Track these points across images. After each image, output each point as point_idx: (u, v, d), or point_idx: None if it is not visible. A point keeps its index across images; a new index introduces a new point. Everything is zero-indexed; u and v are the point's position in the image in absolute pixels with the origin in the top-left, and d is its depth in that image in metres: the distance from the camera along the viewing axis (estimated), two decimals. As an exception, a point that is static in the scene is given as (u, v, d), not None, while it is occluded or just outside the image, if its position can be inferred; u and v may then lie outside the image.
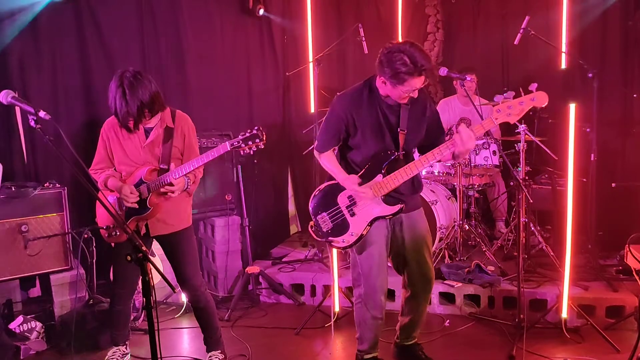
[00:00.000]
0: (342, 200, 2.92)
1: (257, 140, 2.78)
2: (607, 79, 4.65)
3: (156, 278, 2.67)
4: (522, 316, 3.46)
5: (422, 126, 2.91)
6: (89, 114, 4.33)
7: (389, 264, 3.07)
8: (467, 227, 4.55)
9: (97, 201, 2.99)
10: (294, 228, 6.05)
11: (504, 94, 3.32)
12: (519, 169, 4.41)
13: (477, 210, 4.96)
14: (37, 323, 3.66)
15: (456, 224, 4.49)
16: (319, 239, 3.03)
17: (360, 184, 2.83)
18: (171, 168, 2.95)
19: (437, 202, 4.35)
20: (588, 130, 4.38)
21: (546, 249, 4.24)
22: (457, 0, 6.02)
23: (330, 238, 2.95)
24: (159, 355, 2.12)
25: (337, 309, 3.85)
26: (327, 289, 4.24)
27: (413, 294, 3.11)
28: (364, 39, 4.82)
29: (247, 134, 2.78)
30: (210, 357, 3.27)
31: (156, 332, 2.08)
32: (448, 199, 4.62)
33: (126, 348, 3.38)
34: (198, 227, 4.78)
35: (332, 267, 3.92)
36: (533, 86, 3.32)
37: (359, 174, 2.87)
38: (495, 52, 5.78)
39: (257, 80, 5.46)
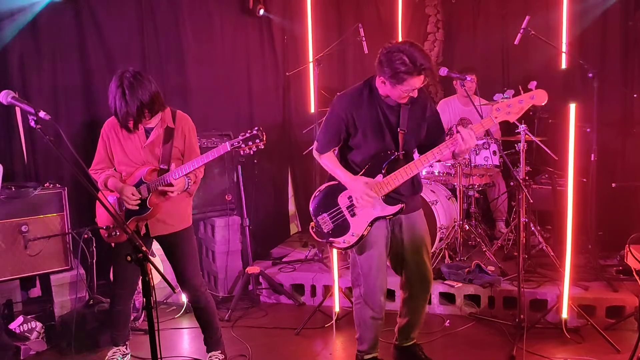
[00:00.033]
0: (342, 200, 2.92)
1: (257, 141, 2.78)
2: (607, 79, 4.64)
3: (156, 278, 2.68)
4: (522, 316, 3.46)
5: (422, 126, 2.91)
6: (89, 114, 4.33)
7: (388, 264, 3.07)
8: (467, 227, 4.55)
9: (97, 201, 2.99)
10: (294, 228, 6.05)
11: (504, 93, 3.32)
12: (519, 168, 4.41)
13: (477, 210, 4.96)
14: (37, 323, 3.66)
15: (456, 224, 4.49)
16: (320, 240, 3.02)
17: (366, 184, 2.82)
18: (171, 168, 2.95)
19: (437, 202, 4.35)
20: (588, 130, 4.38)
21: (546, 249, 4.24)
22: (457, 0, 6.02)
23: (331, 239, 2.94)
24: (159, 356, 2.12)
25: (337, 309, 3.85)
26: (327, 289, 4.24)
27: (411, 295, 3.11)
28: (364, 39, 4.82)
29: (247, 134, 2.78)
30: (210, 357, 3.27)
31: (156, 333, 2.08)
32: (448, 199, 4.62)
33: (126, 348, 3.38)
34: (198, 227, 4.78)
35: (332, 267, 3.92)
36: (532, 84, 3.31)
37: (359, 174, 2.87)
38: (496, 52, 5.78)
39: (257, 80, 5.46)
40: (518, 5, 5.56)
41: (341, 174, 2.90)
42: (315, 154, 3.02)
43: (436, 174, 4.85)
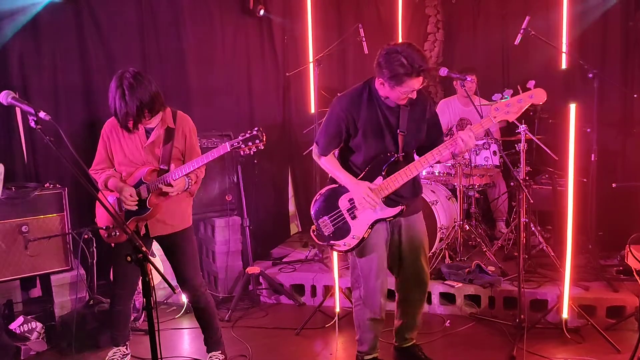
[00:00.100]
0: (343, 203, 2.91)
1: (257, 141, 2.78)
2: (607, 79, 4.64)
3: (156, 278, 2.68)
4: (522, 316, 3.46)
5: (422, 127, 2.91)
6: (89, 114, 4.34)
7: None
8: (468, 228, 4.55)
9: (97, 201, 2.98)
10: (294, 228, 6.05)
11: (503, 93, 3.32)
12: (519, 168, 4.41)
13: (477, 211, 4.96)
14: (38, 323, 3.66)
15: (457, 224, 4.49)
16: (321, 243, 3.02)
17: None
18: (171, 169, 2.95)
19: (437, 203, 4.35)
20: (588, 130, 4.38)
21: (547, 249, 4.24)
22: (457, 0, 6.02)
23: (332, 241, 2.94)
24: (159, 356, 2.11)
25: (337, 309, 3.85)
26: (327, 289, 4.24)
27: (406, 298, 3.12)
28: (364, 39, 4.82)
29: (247, 135, 2.78)
30: (210, 357, 3.27)
31: (156, 333, 2.08)
32: (448, 199, 4.62)
33: (126, 348, 3.38)
34: (198, 227, 4.78)
35: (332, 268, 3.92)
36: (531, 83, 3.33)
37: (359, 177, 2.87)
38: (496, 52, 5.78)
39: (258, 81, 5.46)
40: (518, 6, 5.56)
41: (342, 177, 2.90)
42: (315, 156, 3.02)
43: (436, 174, 4.85)
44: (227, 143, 2.79)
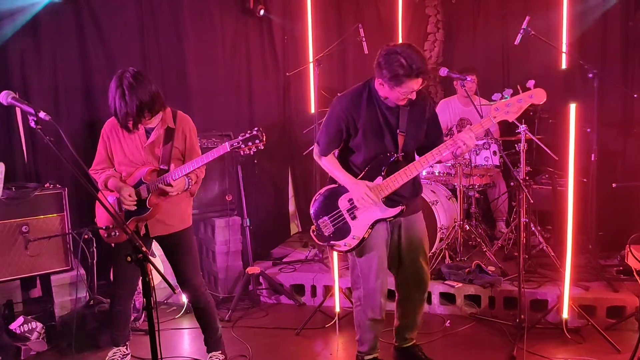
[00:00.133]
0: (342, 203, 2.91)
1: (257, 141, 2.78)
2: (607, 79, 4.64)
3: (156, 279, 2.68)
4: (522, 316, 3.46)
5: (421, 127, 2.90)
6: (89, 114, 4.34)
7: None
8: (468, 228, 4.55)
9: (97, 201, 2.98)
10: (294, 228, 6.04)
11: (503, 93, 3.32)
12: (519, 168, 4.41)
13: (477, 211, 4.96)
14: (38, 324, 3.66)
15: (457, 224, 4.49)
16: (321, 243, 3.02)
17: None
18: (171, 169, 2.95)
19: (437, 203, 4.35)
20: (588, 130, 4.38)
21: (547, 249, 4.24)
22: (457, 0, 6.02)
23: (332, 242, 2.94)
24: (159, 356, 2.11)
25: (337, 309, 3.85)
26: (327, 289, 4.24)
27: (406, 298, 3.12)
28: (364, 39, 4.82)
29: (247, 135, 2.78)
30: (210, 357, 3.27)
31: (156, 333, 2.08)
32: (448, 199, 4.62)
33: (127, 348, 3.38)
34: (198, 227, 4.78)
35: (332, 268, 3.92)
36: (530, 83, 3.32)
37: (359, 177, 2.86)
38: (496, 52, 5.78)
39: (258, 81, 5.46)
40: (518, 6, 5.57)
41: (342, 176, 2.90)
42: (316, 156, 3.02)
43: (436, 174, 4.85)
44: (227, 143, 2.79)
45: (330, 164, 2.96)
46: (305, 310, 4.21)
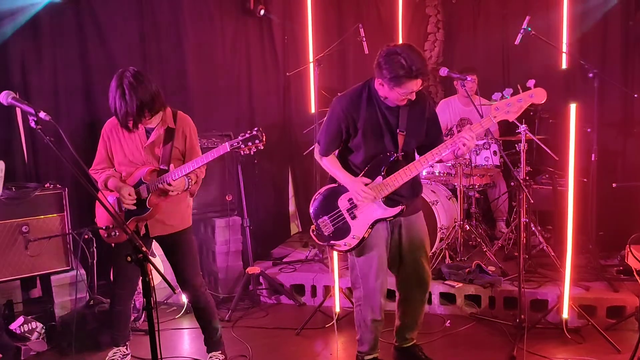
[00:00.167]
0: (342, 203, 2.91)
1: (257, 141, 2.78)
2: (607, 79, 4.64)
3: (156, 279, 2.68)
4: (522, 316, 3.46)
5: (421, 127, 2.90)
6: (89, 114, 4.34)
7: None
8: (468, 228, 4.55)
9: (97, 201, 2.98)
10: (294, 228, 6.04)
11: (503, 92, 3.31)
12: (519, 168, 4.41)
13: (477, 211, 4.96)
14: (38, 324, 3.65)
15: (457, 224, 4.48)
16: (321, 243, 3.02)
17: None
18: (171, 169, 2.95)
19: (437, 203, 4.35)
20: (589, 130, 4.38)
21: (547, 249, 4.24)
22: (457, 0, 6.02)
23: (332, 242, 2.94)
24: (159, 356, 2.11)
25: (337, 309, 3.85)
26: (327, 289, 4.23)
27: (407, 297, 3.12)
28: (364, 39, 4.81)
29: (247, 135, 2.78)
30: (210, 357, 3.27)
31: (157, 333, 2.08)
32: (449, 199, 4.62)
33: (127, 349, 3.38)
34: (198, 227, 4.77)
35: (332, 268, 3.92)
36: (531, 83, 3.32)
37: (359, 176, 2.86)
38: (496, 52, 5.78)
39: (258, 81, 5.46)
40: (518, 5, 5.57)
41: (341, 176, 2.90)
42: (317, 156, 3.02)
43: (437, 174, 4.85)
44: (227, 143, 2.79)
45: (330, 164, 2.96)
46: (305, 310, 4.21)
